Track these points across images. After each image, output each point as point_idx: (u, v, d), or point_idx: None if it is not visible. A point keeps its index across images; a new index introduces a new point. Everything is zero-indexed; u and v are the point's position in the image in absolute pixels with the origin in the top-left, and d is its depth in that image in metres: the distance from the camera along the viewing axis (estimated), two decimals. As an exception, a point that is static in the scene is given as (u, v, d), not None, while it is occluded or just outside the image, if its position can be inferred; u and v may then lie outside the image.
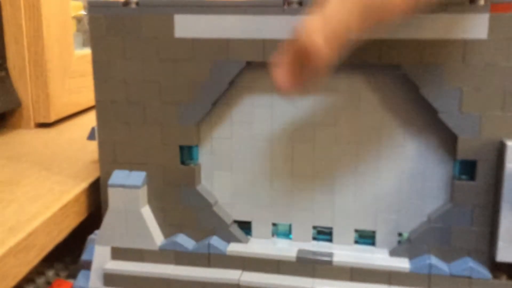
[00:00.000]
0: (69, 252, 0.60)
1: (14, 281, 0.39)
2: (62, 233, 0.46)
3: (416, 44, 0.37)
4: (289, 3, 0.39)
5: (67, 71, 0.74)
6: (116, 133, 0.43)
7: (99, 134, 0.44)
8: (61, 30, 0.72)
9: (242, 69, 0.40)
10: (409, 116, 0.40)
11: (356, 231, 0.42)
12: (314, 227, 0.43)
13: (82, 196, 0.49)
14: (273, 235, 0.43)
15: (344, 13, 0.32)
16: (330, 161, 0.41)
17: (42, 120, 0.71)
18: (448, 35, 0.37)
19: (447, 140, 0.39)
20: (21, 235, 0.40)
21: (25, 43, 0.68)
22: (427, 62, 0.37)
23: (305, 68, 0.34)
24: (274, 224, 0.43)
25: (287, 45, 0.34)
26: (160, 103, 0.42)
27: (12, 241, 0.39)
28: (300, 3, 0.38)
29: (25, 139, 0.66)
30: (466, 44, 0.37)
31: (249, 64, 0.40)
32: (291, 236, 0.43)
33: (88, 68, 0.78)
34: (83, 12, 0.79)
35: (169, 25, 0.41)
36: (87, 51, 0.78)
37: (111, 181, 0.43)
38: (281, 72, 0.34)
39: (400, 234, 0.42)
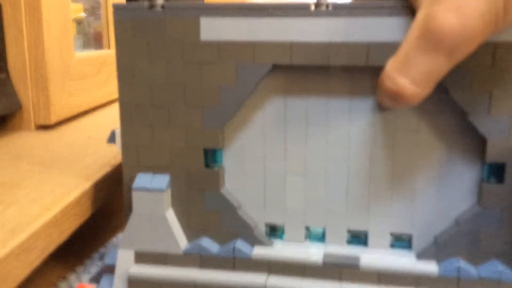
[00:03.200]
0: (86, 255, 0.57)
1: (15, 283, 0.37)
2: (63, 235, 0.44)
3: None
4: (317, 6, 0.36)
5: (67, 73, 0.71)
6: (140, 136, 0.40)
7: (123, 137, 0.41)
8: (61, 32, 0.69)
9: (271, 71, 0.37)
10: (438, 118, 0.37)
11: (392, 234, 0.40)
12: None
13: (83, 197, 0.47)
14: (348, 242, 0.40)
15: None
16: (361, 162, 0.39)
17: (42, 122, 0.67)
18: None
19: (476, 142, 0.37)
20: (22, 236, 0.38)
21: (25, 45, 0.65)
22: (457, 65, 0.34)
23: (401, 103, 0.32)
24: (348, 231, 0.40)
25: (378, 87, 0.33)
26: (185, 106, 0.39)
27: (13, 243, 0.37)
28: (328, 6, 0.36)
29: (25, 141, 0.63)
30: (496, 47, 0.35)
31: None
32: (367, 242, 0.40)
33: (88, 70, 0.76)
34: (83, 14, 0.76)
35: (195, 28, 0.38)
36: (87, 53, 0.79)
37: (135, 184, 0.40)
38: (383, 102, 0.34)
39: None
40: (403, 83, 0.31)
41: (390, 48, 0.34)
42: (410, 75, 0.30)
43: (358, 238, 0.40)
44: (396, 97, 0.31)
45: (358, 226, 0.39)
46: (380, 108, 0.37)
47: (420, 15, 0.30)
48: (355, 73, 0.37)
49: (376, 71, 0.36)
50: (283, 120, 0.39)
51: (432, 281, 0.37)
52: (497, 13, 0.29)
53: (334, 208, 0.39)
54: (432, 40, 0.29)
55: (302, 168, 0.39)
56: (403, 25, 0.35)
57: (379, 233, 0.39)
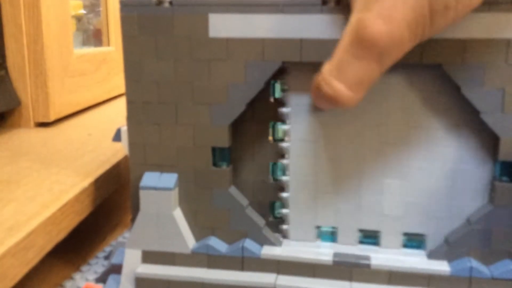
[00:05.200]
0: (88, 253, 0.56)
1: (13, 282, 0.36)
2: (62, 233, 0.43)
3: (458, 43, 0.34)
4: (326, 2, 0.35)
5: (66, 70, 0.70)
6: (147, 135, 0.39)
7: (130, 135, 0.39)
8: (60, 29, 0.68)
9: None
10: (450, 116, 0.36)
11: (405, 234, 0.38)
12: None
13: (82, 195, 0.46)
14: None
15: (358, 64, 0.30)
16: (374, 161, 0.37)
17: (41, 120, 0.66)
18: (491, 34, 0.33)
19: (488, 140, 0.36)
20: (20, 235, 0.37)
21: (24, 42, 0.64)
22: (469, 62, 0.34)
23: (334, 106, 0.32)
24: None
25: (313, 89, 0.32)
26: (193, 103, 0.37)
27: (10, 241, 0.36)
28: (338, 2, 0.35)
29: (24, 138, 0.62)
30: (509, 44, 0.33)
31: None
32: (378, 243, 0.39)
33: (87, 67, 0.75)
34: (83, 11, 0.75)
35: (203, 24, 0.36)
36: (87, 50, 0.77)
37: (143, 183, 0.38)
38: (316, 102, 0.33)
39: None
40: (339, 88, 0.30)
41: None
42: (345, 80, 0.30)
43: (370, 238, 0.38)
44: (333, 101, 0.31)
45: (370, 226, 0.38)
46: (316, 108, 0.37)
47: (352, 20, 0.30)
48: None
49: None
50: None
51: (443, 281, 0.35)
52: (424, 22, 0.29)
53: (344, 208, 0.38)
54: (362, 46, 0.29)
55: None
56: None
57: (391, 233, 0.38)
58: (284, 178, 0.38)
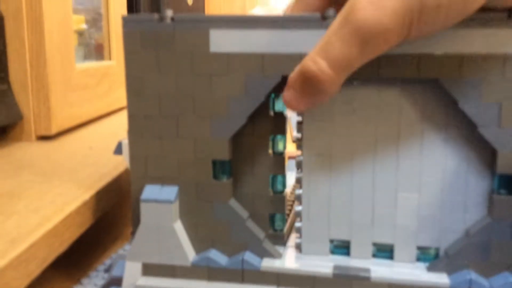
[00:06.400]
0: (88, 265, 0.55)
1: None
2: (63, 245, 0.43)
3: (455, 58, 0.34)
4: (325, 18, 0.35)
5: (68, 84, 0.70)
6: (148, 148, 0.39)
7: (131, 148, 0.39)
8: (63, 43, 0.68)
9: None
10: (448, 129, 0.36)
11: (419, 247, 0.38)
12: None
13: (83, 207, 0.46)
14: None
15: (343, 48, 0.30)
16: (370, 176, 0.37)
17: (43, 133, 0.66)
18: (488, 49, 0.34)
19: (486, 153, 0.36)
20: (22, 247, 0.37)
21: (27, 57, 0.64)
22: (466, 76, 0.34)
23: (313, 92, 0.32)
24: None
25: (295, 72, 0.33)
26: (194, 117, 0.38)
27: (12, 253, 0.36)
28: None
29: (26, 151, 0.62)
30: (506, 59, 0.34)
31: None
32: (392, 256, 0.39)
33: (89, 81, 0.75)
34: (84, 26, 0.74)
35: (204, 40, 0.36)
36: (88, 64, 0.78)
37: (144, 196, 0.38)
38: (291, 94, 0.33)
39: (437, 248, 0.38)
40: (322, 64, 0.31)
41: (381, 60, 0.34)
42: (327, 58, 0.31)
43: (384, 252, 0.38)
44: (313, 79, 0.31)
45: (384, 239, 0.38)
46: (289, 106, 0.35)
47: (347, 3, 0.30)
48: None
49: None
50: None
51: None
52: (412, 17, 0.29)
53: (358, 221, 0.38)
54: (348, 28, 0.30)
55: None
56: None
57: (406, 247, 0.38)
58: (298, 191, 0.38)
